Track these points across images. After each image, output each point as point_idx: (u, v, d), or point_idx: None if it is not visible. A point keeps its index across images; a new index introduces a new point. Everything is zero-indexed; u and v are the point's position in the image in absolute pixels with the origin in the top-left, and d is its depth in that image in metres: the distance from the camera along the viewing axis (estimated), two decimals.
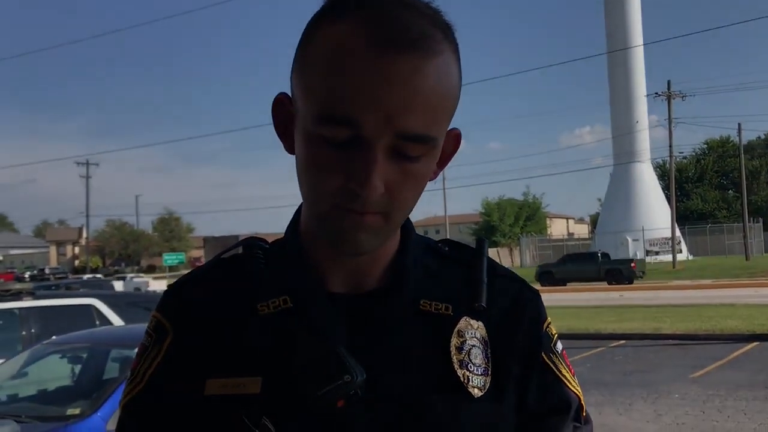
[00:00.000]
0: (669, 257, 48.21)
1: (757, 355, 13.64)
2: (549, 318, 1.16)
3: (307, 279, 1.06)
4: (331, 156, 0.93)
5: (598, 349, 14.97)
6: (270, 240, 1.17)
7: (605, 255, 40.18)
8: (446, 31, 0.96)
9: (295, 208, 1.12)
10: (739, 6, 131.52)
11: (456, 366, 1.04)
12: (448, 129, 1.02)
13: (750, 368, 12.36)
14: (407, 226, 1.11)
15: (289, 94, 1.02)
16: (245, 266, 1.10)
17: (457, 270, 1.12)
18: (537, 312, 1.14)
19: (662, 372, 12.38)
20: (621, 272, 37.70)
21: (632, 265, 38.15)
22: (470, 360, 1.05)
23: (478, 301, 1.08)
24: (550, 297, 28.00)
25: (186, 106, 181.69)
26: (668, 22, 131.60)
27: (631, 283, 36.54)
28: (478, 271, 1.11)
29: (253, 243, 1.14)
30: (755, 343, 14.79)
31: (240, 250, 1.14)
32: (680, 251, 51.73)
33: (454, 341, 1.06)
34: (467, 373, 1.04)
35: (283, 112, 1.04)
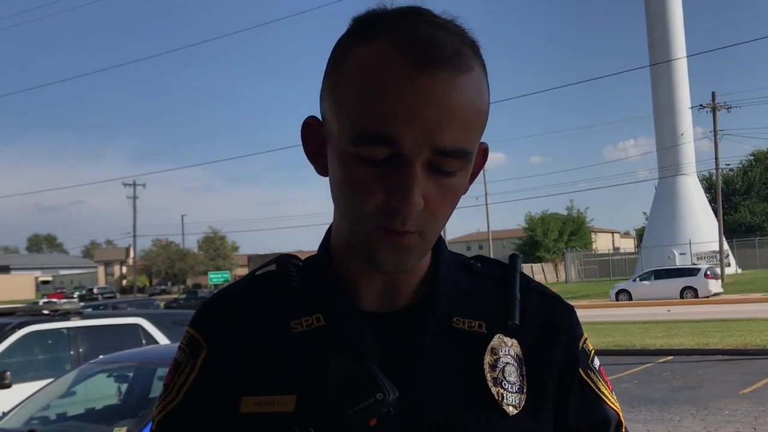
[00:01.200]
0: (717, 271, 47.42)
1: None
2: (585, 334, 1.15)
3: (339, 297, 1.07)
4: (369, 175, 0.94)
5: (646, 365, 14.75)
6: (304, 257, 1.18)
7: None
8: (474, 48, 0.98)
9: None
10: None
11: (490, 383, 1.04)
12: None
13: None
14: (439, 242, 1.12)
15: (318, 117, 1.03)
16: (279, 283, 1.11)
17: (490, 286, 1.12)
18: (572, 328, 1.13)
19: (711, 388, 12.15)
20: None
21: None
22: (504, 378, 1.05)
23: (512, 319, 1.08)
24: (596, 312, 27.69)
25: (230, 127, 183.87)
26: (712, 32, 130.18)
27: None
28: (511, 287, 1.11)
29: (286, 260, 1.15)
30: None
31: (274, 267, 1.15)
32: (729, 264, 50.81)
33: (488, 359, 1.05)
34: (501, 390, 1.04)
35: (313, 134, 1.05)
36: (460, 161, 0.95)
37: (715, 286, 35.07)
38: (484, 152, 1.07)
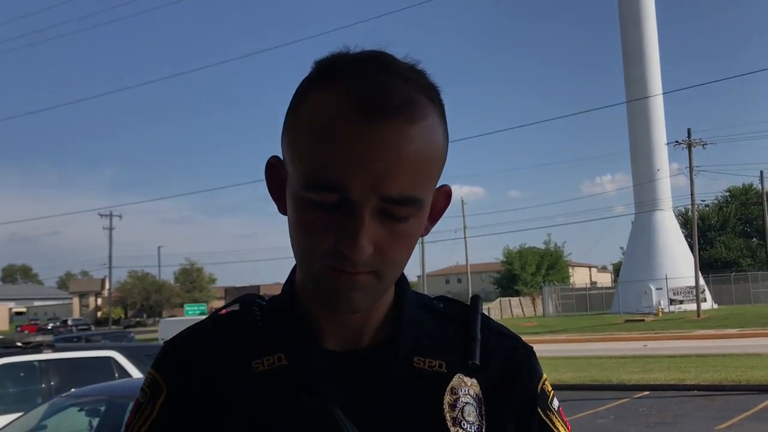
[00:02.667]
0: (693, 306, 47.54)
1: None
2: (545, 375, 1.16)
3: (302, 336, 1.07)
4: (321, 218, 0.95)
5: (623, 400, 14.76)
6: (268, 296, 1.18)
7: None
8: (430, 93, 0.98)
9: None
10: (763, 51, 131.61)
11: (449, 423, 1.04)
12: (438, 186, 1.04)
13: None
14: (402, 282, 1.12)
15: (280, 157, 1.04)
16: (242, 323, 1.11)
17: (451, 327, 1.13)
18: (532, 369, 1.14)
19: (687, 424, 12.17)
20: None
21: None
22: (463, 417, 1.05)
23: (472, 359, 1.08)
24: (574, 347, 27.71)
25: (209, 158, 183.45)
26: (688, 70, 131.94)
27: None
28: (472, 327, 1.12)
29: (250, 300, 1.15)
30: None
31: (237, 307, 1.15)
32: (704, 300, 51.02)
33: (447, 398, 1.06)
34: (460, 430, 1.05)
35: (275, 174, 1.06)
36: (410, 208, 0.96)
37: None
38: (446, 194, 1.08)
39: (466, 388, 1.08)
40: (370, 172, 0.92)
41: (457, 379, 1.08)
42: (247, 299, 1.15)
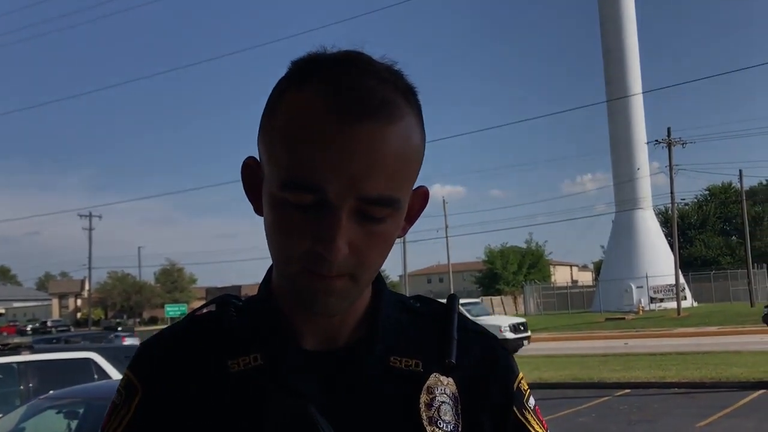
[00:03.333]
0: (673, 304, 47.89)
1: (763, 403, 13.52)
2: (521, 373, 1.16)
3: (278, 336, 1.06)
4: (297, 220, 0.94)
5: (603, 399, 14.84)
6: (245, 296, 1.18)
7: None
8: (407, 94, 0.98)
9: None
10: (740, 51, 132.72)
11: (425, 422, 1.04)
12: (416, 187, 1.04)
13: (757, 416, 12.24)
14: (378, 281, 1.12)
15: (257, 158, 1.04)
16: (217, 324, 1.10)
17: (428, 326, 1.13)
18: (508, 367, 1.14)
19: (668, 421, 12.26)
20: None
21: None
22: (440, 416, 1.05)
23: (449, 358, 1.08)
24: (556, 345, 27.83)
25: (189, 158, 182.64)
26: (668, 69, 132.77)
27: None
28: (448, 326, 1.11)
29: (226, 300, 1.14)
30: (761, 391, 14.67)
31: (213, 307, 1.14)
32: (684, 298, 51.36)
33: (424, 398, 1.06)
34: (436, 429, 1.04)
35: (251, 175, 1.06)
36: (387, 209, 0.95)
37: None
38: (423, 195, 1.08)
39: (443, 387, 1.07)
40: (348, 173, 0.91)
41: (433, 378, 1.07)
42: (223, 300, 1.14)
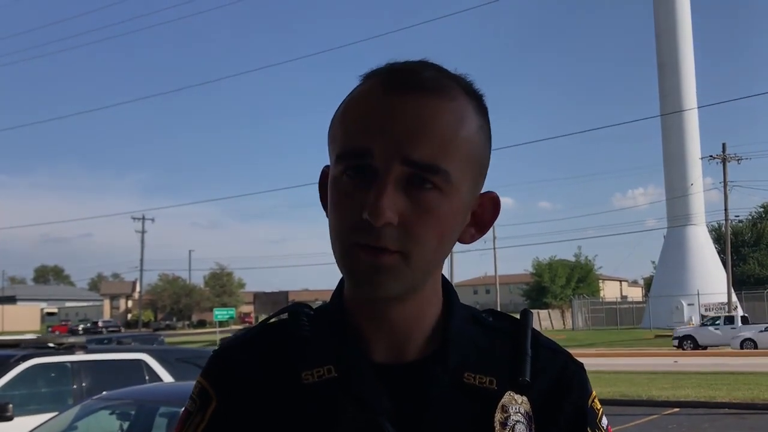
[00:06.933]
0: None
1: None
2: (594, 392, 1.15)
3: (351, 348, 1.06)
4: (350, 192, 0.97)
5: (652, 417, 14.60)
6: (317, 298, 1.18)
7: None
8: (467, 88, 1.02)
9: None
10: None
11: None
12: (484, 191, 1.06)
13: None
14: (450, 292, 1.12)
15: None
16: (290, 333, 1.11)
17: (500, 341, 1.11)
18: (582, 386, 1.12)
19: None
20: None
21: None
22: None
23: (523, 375, 1.07)
24: (604, 361, 27.46)
25: (240, 164, 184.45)
26: (724, 82, 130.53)
27: None
28: (522, 343, 1.10)
29: (298, 309, 1.14)
30: None
31: (285, 316, 1.15)
32: None
33: (498, 416, 1.04)
34: None
35: (324, 177, 1.08)
36: (434, 176, 0.96)
37: None
38: (493, 201, 1.08)
39: (517, 406, 1.06)
40: (393, 136, 0.95)
41: (507, 397, 1.06)
42: (295, 308, 1.15)
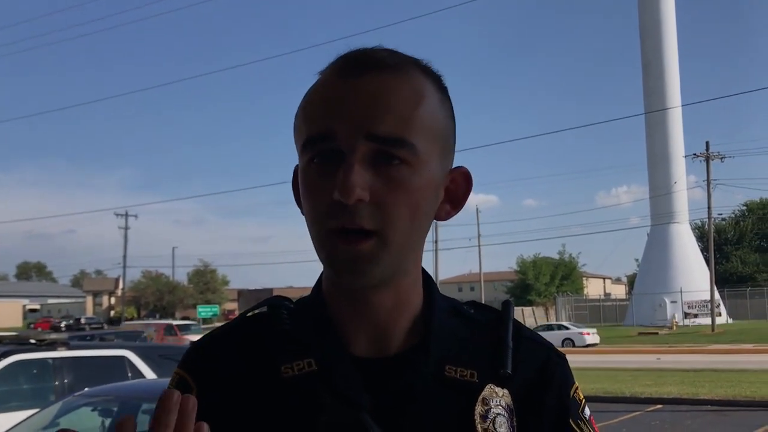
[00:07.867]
0: (707, 320, 47.35)
1: None
2: (576, 383, 1.14)
3: (331, 342, 1.05)
4: (318, 176, 0.98)
5: (635, 413, 14.67)
6: (298, 295, 1.17)
7: None
8: (424, 68, 1.04)
9: None
10: None
11: None
12: (455, 166, 1.06)
13: None
14: (430, 285, 1.11)
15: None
16: (270, 326, 1.09)
17: (482, 333, 1.10)
18: (564, 377, 1.12)
19: None
20: None
21: None
22: (495, 429, 1.03)
23: (504, 368, 1.06)
24: (587, 358, 27.59)
25: (224, 160, 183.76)
26: (707, 82, 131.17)
27: None
28: (503, 335, 1.09)
29: (278, 303, 1.13)
30: None
31: (265, 309, 1.14)
32: (719, 314, 50.72)
33: (479, 409, 1.04)
34: None
35: (295, 177, 1.08)
36: (400, 150, 0.96)
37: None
38: (464, 175, 1.08)
39: (498, 399, 1.05)
40: (354, 114, 0.96)
41: (488, 390, 1.05)
42: (275, 302, 1.13)
